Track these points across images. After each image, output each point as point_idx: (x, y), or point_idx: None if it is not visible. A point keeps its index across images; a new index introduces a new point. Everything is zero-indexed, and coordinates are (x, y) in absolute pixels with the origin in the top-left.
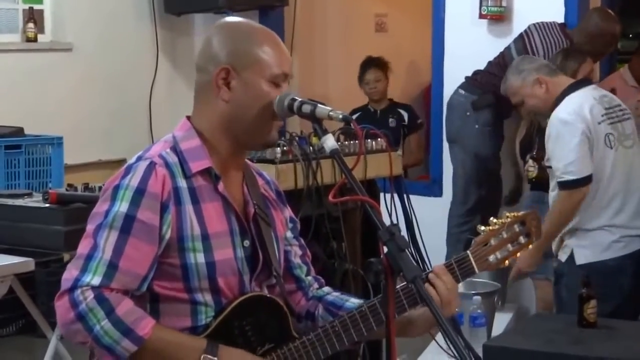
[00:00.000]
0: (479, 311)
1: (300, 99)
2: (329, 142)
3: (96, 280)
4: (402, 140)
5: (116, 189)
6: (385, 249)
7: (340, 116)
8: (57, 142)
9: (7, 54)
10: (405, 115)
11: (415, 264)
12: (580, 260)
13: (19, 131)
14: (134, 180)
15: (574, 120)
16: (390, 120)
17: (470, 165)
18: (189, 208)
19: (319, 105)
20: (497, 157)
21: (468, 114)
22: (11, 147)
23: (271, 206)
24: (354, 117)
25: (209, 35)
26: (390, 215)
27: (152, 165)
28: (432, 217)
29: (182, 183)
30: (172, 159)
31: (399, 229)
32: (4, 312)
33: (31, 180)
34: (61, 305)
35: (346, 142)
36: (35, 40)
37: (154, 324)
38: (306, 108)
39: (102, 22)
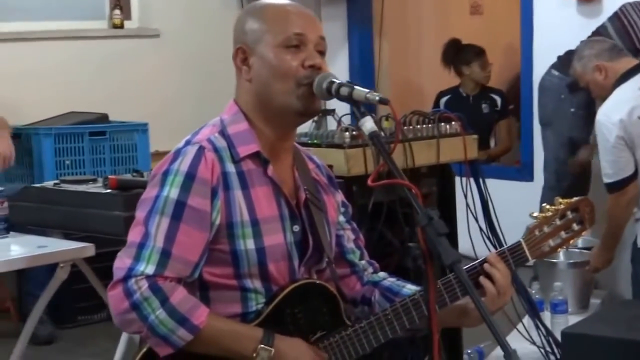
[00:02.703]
0: (560, 298)
1: (338, 81)
2: (368, 124)
3: (150, 269)
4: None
5: (165, 174)
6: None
7: (377, 98)
8: (142, 129)
9: (93, 40)
10: (499, 100)
11: (454, 249)
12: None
13: (103, 117)
14: (184, 165)
15: (607, 122)
16: (484, 105)
17: (564, 150)
18: (237, 194)
19: (356, 87)
20: (589, 143)
21: (563, 96)
22: (96, 133)
23: (322, 191)
24: (443, 100)
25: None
26: (466, 199)
27: (201, 150)
28: (522, 202)
29: (231, 168)
30: (221, 143)
31: (438, 213)
32: (97, 298)
33: (117, 167)
34: (115, 295)
35: (417, 126)
36: (121, 26)
37: (208, 313)
38: (344, 90)
39: (189, 7)
